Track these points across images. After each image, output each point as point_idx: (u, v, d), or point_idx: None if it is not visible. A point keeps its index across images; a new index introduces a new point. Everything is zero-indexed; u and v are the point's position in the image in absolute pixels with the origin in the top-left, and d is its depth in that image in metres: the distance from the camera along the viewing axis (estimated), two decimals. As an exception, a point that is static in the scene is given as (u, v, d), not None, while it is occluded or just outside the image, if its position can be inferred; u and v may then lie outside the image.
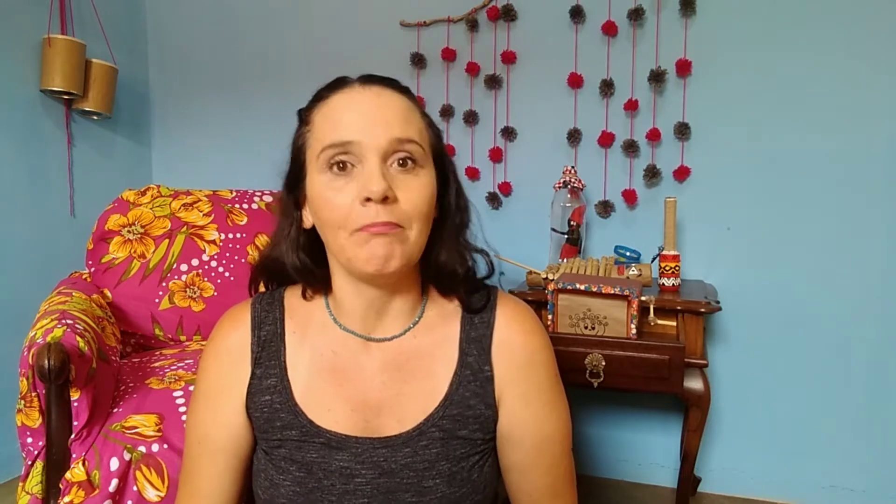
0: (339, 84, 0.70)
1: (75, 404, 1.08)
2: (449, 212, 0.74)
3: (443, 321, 0.76)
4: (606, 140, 1.85)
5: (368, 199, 0.63)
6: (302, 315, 0.76)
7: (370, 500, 0.69)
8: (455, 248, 0.74)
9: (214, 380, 0.76)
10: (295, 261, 0.74)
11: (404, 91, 0.70)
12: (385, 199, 0.63)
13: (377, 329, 0.73)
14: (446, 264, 0.74)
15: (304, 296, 0.77)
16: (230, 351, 0.76)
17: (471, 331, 0.74)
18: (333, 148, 0.65)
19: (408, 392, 0.72)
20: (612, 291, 1.35)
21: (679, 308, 1.46)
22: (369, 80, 0.69)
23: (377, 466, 0.69)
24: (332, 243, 0.68)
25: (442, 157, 0.73)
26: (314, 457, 0.70)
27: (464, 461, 0.71)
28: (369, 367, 0.73)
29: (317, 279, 0.75)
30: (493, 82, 1.96)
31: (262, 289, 0.82)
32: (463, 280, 0.75)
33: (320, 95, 0.71)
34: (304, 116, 0.72)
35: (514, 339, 0.74)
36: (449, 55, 2.00)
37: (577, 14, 1.85)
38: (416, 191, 0.66)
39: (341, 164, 0.65)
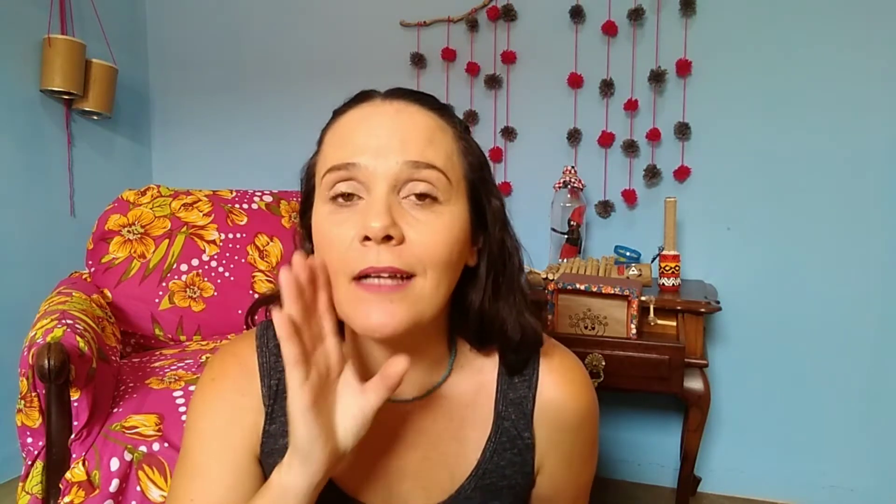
0: (360, 98, 0.58)
1: (75, 404, 1.08)
2: (490, 256, 0.60)
3: (476, 377, 0.64)
4: (606, 140, 1.85)
5: (368, 238, 0.51)
6: None
7: None
8: (502, 300, 0.61)
9: (223, 415, 0.62)
10: None
11: (437, 108, 0.58)
12: (388, 239, 0.51)
13: (398, 388, 0.60)
14: (490, 317, 0.61)
15: None
16: (239, 392, 0.63)
17: (509, 391, 0.63)
18: (336, 171, 0.53)
19: (434, 458, 0.62)
20: (612, 291, 1.35)
21: (679, 308, 1.46)
22: (394, 94, 0.57)
23: None
24: (333, 290, 0.55)
25: (478, 190, 0.59)
26: None
27: None
28: (392, 427, 0.62)
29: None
30: (493, 82, 1.96)
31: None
32: (502, 338, 0.62)
33: (338, 110, 0.59)
34: (320, 136, 0.60)
35: (565, 402, 0.63)
36: (449, 55, 2.00)
37: (577, 14, 1.85)
38: (433, 231, 0.52)
39: (346, 195, 0.53)
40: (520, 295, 0.62)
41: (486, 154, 0.58)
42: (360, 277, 0.52)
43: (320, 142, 0.60)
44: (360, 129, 0.54)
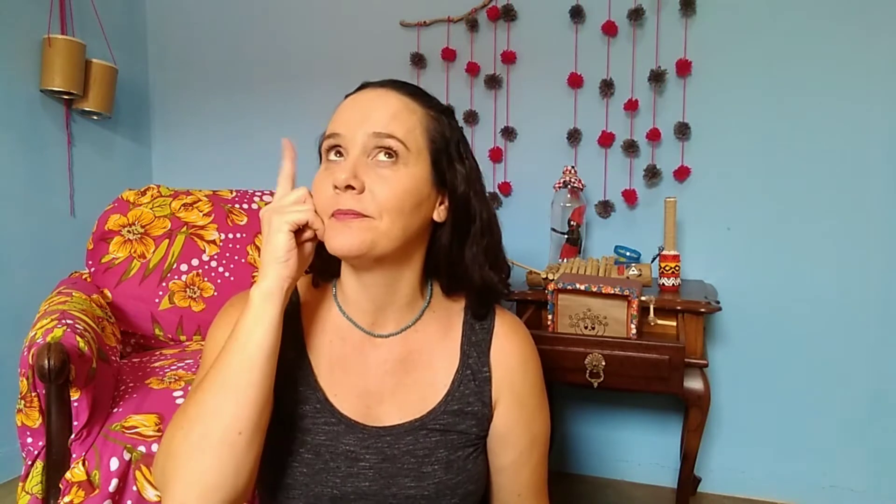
0: (360, 87, 0.74)
1: (75, 404, 1.08)
2: (456, 213, 0.75)
3: (445, 319, 0.80)
4: (606, 140, 1.85)
5: (336, 187, 0.67)
6: (313, 303, 0.80)
7: (372, 483, 0.72)
8: (467, 249, 0.76)
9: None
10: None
11: (411, 93, 0.72)
12: (350, 188, 0.66)
13: (379, 324, 0.77)
14: (455, 263, 0.76)
15: (314, 284, 0.80)
16: None
17: (472, 335, 0.79)
18: (327, 139, 0.71)
19: (408, 383, 0.76)
20: (612, 291, 1.35)
21: (679, 308, 1.46)
22: (384, 83, 0.73)
23: (380, 452, 0.73)
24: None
25: (441, 158, 0.73)
26: (322, 439, 0.73)
27: (460, 451, 0.75)
28: (373, 357, 0.76)
29: (328, 270, 0.78)
30: (493, 82, 1.96)
31: None
32: (471, 284, 0.77)
33: (345, 96, 0.75)
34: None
35: (512, 346, 0.80)
36: (449, 55, 2.00)
37: (577, 14, 1.85)
38: (389, 183, 0.67)
39: (338, 152, 0.70)
40: (483, 251, 0.76)
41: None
42: (333, 215, 0.68)
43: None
44: (347, 108, 0.71)
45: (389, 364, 0.76)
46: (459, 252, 0.76)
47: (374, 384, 0.75)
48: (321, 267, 0.78)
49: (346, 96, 0.74)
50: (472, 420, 0.76)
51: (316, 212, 0.68)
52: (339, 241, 0.67)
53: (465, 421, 0.76)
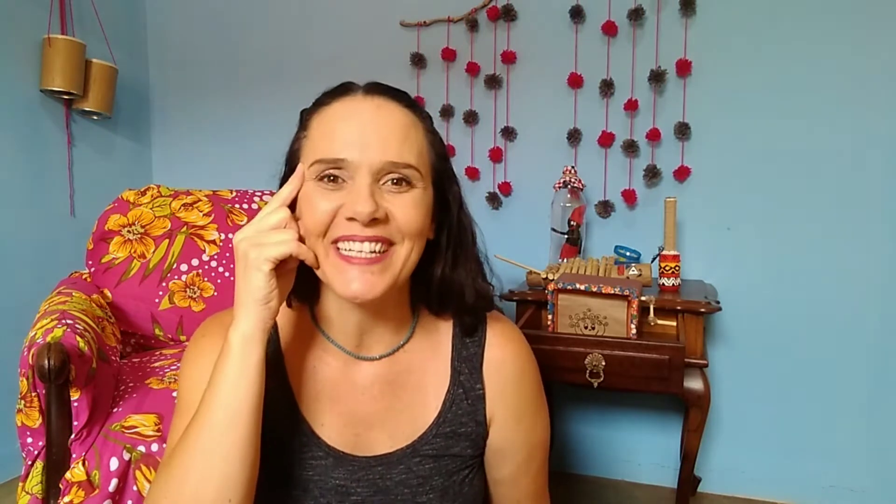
0: (342, 91, 0.66)
1: (75, 404, 1.08)
2: (450, 232, 0.71)
3: (434, 337, 0.75)
4: (606, 140, 1.85)
5: (352, 219, 0.60)
6: (290, 325, 0.73)
7: None
8: (461, 267, 0.71)
9: (207, 365, 0.66)
10: None
11: (410, 105, 0.67)
12: (373, 221, 0.60)
13: (365, 346, 0.71)
14: (449, 283, 0.71)
15: (287, 304, 0.71)
16: (219, 349, 0.68)
17: (462, 349, 0.74)
18: (324, 164, 0.62)
19: (398, 407, 0.71)
20: (612, 291, 1.35)
21: (679, 308, 1.46)
22: (374, 89, 0.65)
23: (373, 484, 0.68)
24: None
25: (442, 178, 0.69)
26: (310, 474, 0.68)
27: (455, 475, 0.71)
28: (360, 381, 0.71)
29: (304, 289, 0.70)
30: (493, 82, 1.96)
31: None
32: (460, 301, 0.72)
33: (322, 100, 0.67)
34: (304, 120, 0.68)
35: (506, 357, 0.75)
36: (449, 55, 2.00)
37: (577, 14, 1.85)
38: (409, 208, 0.63)
39: (332, 177, 0.62)
40: (474, 263, 0.72)
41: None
42: (339, 241, 0.62)
43: (305, 125, 0.67)
44: (346, 124, 0.63)
45: (377, 388, 0.71)
46: (453, 270, 0.71)
47: (363, 410, 0.70)
48: (298, 287, 0.68)
49: (325, 102, 0.66)
50: (465, 441, 0.72)
51: (301, 235, 0.62)
52: (356, 288, 0.61)
53: (459, 443, 0.71)
